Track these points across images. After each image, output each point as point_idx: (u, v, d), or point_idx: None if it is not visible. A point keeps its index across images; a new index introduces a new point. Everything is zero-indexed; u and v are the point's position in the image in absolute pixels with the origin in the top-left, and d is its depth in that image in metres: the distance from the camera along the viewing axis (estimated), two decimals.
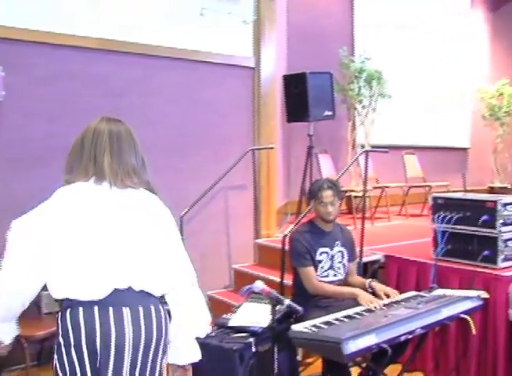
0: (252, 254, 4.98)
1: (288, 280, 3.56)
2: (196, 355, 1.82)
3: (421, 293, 3.10)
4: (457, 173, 7.72)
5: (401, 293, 3.07)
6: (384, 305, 2.85)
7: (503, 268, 3.39)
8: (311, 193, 3.24)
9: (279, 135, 5.53)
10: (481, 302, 2.95)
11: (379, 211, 6.29)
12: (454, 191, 5.12)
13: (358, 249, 3.60)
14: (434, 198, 3.73)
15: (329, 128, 6.47)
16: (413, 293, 3.13)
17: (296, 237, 3.22)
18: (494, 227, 3.38)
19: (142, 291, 1.69)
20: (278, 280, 3.82)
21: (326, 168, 5.86)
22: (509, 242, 3.44)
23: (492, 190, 8.70)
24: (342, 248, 3.28)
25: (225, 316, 2.98)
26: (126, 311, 1.66)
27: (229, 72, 4.87)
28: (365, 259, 3.94)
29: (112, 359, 1.62)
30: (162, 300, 1.79)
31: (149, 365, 1.70)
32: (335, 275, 3.23)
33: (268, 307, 2.52)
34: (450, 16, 8.68)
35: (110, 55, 4.21)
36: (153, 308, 1.72)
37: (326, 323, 2.55)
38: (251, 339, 2.73)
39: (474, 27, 9.23)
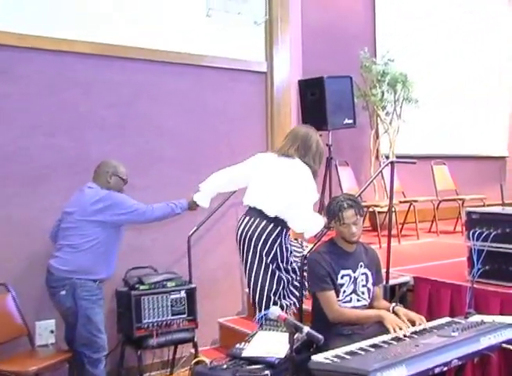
0: None
1: (307, 306, 3.54)
2: None
3: (456, 319, 3.06)
4: (494, 185, 7.63)
5: (433, 319, 3.03)
6: (415, 333, 2.81)
7: None
8: (331, 214, 3.21)
9: None
10: None
11: (406, 228, 6.25)
12: (491, 205, 5.06)
13: (384, 271, 3.57)
14: (469, 213, 3.69)
15: (350, 137, 6.47)
16: (447, 319, 3.09)
17: (315, 258, 3.21)
18: None
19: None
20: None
21: (347, 180, 5.84)
22: None
23: None
24: (366, 270, 3.26)
25: (238, 345, 2.96)
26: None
27: (240, 78, 4.92)
28: (392, 282, 3.89)
29: None
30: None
31: None
32: (359, 300, 3.20)
33: (286, 335, 2.50)
34: (484, 9, 8.66)
35: (114, 61, 4.28)
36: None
37: (350, 353, 2.52)
38: (268, 371, 2.71)
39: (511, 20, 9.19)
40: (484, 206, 5.95)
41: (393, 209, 5.23)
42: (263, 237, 3.40)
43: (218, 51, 4.76)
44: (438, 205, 6.48)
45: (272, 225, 3.41)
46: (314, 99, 5.43)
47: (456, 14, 8.25)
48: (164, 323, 3.94)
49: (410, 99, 6.62)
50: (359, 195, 3.70)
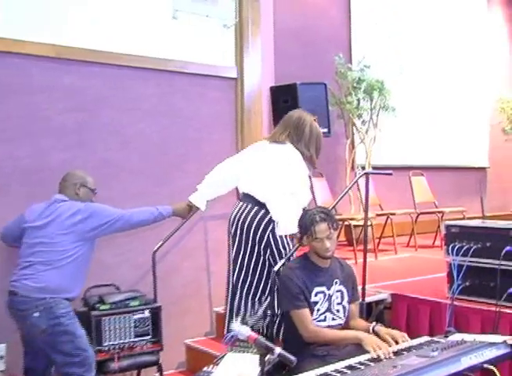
0: None
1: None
2: None
3: (436, 338, 3.08)
4: (475, 197, 7.75)
5: (412, 338, 3.05)
6: (393, 353, 2.83)
7: None
8: (303, 228, 3.22)
9: None
10: (508, 350, 2.92)
11: (383, 243, 6.31)
12: (471, 218, 5.14)
13: (360, 287, 3.59)
14: (448, 226, 3.75)
15: (325, 147, 6.40)
16: (426, 338, 3.10)
17: (287, 275, 3.20)
18: None
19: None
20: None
21: (321, 193, 5.88)
22: None
23: None
24: (341, 287, 3.27)
25: (206, 369, 2.93)
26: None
27: (209, 84, 4.92)
28: (368, 299, 3.91)
29: None
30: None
31: None
32: (333, 319, 3.21)
33: (256, 357, 2.49)
34: (464, 16, 8.86)
35: (73, 65, 4.23)
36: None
37: (325, 375, 2.52)
38: None
39: (492, 27, 9.40)
40: (464, 219, 6.04)
41: (369, 222, 5.31)
42: (255, 223, 3.54)
43: (185, 55, 4.75)
44: (417, 218, 6.56)
45: (264, 210, 3.53)
46: (287, 107, 5.43)
47: (435, 19, 8.41)
48: (127, 345, 3.88)
49: (387, 107, 6.71)
50: (333, 208, 3.71)
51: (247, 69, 5.09)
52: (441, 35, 8.46)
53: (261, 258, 3.59)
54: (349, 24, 7.50)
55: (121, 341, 3.86)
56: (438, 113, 8.32)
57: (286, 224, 3.46)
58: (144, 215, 3.68)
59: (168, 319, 4.23)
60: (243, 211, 3.60)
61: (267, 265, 3.58)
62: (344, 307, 3.26)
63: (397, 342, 2.94)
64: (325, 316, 3.19)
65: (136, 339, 3.92)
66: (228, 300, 3.76)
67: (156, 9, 4.64)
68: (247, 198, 3.62)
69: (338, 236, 3.42)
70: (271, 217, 3.51)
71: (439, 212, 6.60)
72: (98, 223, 3.49)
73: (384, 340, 2.96)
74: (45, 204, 3.56)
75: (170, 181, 4.63)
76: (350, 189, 4.32)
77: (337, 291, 3.25)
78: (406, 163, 7.57)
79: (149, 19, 4.59)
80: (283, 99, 5.49)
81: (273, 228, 3.52)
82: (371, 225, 5.71)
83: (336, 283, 3.26)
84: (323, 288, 3.20)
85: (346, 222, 5.95)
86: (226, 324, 3.70)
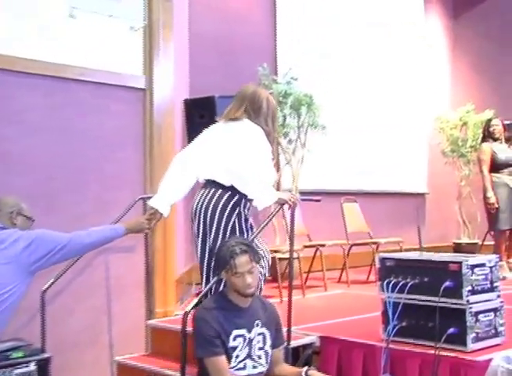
0: (143, 340, 4.86)
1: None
2: None
3: None
4: (412, 226, 7.97)
5: None
6: None
7: (475, 350, 3.45)
8: (221, 262, 3.22)
9: None
10: None
11: (312, 278, 6.35)
12: (409, 249, 5.26)
13: (285, 330, 3.58)
14: (383, 259, 3.80)
15: None
16: None
17: (201, 316, 3.18)
18: (460, 296, 3.45)
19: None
20: (177, 375, 3.72)
21: None
22: (480, 316, 3.52)
23: (457, 248, 8.99)
24: (264, 330, 3.27)
25: None
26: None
27: (113, 94, 4.86)
28: (294, 343, 3.92)
29: None
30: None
31: None
32: (255, 366, 3.20)
33: None
34: (400, 27, 9.16)
35: None
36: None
37: None
38: None
39: (430, 39, 9.76)
40: (401, 251, 6.17)
41: (295, 255, 5.33)
42: (219, 206, 3.65)
43: (84, 61, 4.66)
44: (349, 250, 6.65)
45: (228, 193, 3.66)
46: (203, 123, 5.42)
47: (371, 33, 8.63)
48: None
49: (316, 124, 6.80)
50: (253, 239, 3.72)
51: (158, 78, 5.06)
52: (377, 50, 8.71)
53: None
54: (275, 31, 7.61)
55: None
56: (372, 133, 8.50)
57: (261, 197, 3.63)
58: (97, 234, 3.56)
59: (60, 373, 4.10)
60: (207, 195, 3.72)
61: None
62: (266, 352, 3.26)
63: None
64: (244, 364, 3.17)
65: None
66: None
67: (50, 5, 4.53)
68: (210, 184, 3.75)
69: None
70: (237, 200, 3.66)
71: (374, 243, 6.72)
72: (44, 251, 3.35)
73: None
74: None
75: (62, 208, 4.50)
76: (273, 217, 4.34)
77: (259, 334, 3.24)
78: (338, 188, 7.70)
79: (41, 17, 4.48)
80: (199, 113, 5.50)
81: (239, 211, 3.69)
82: (298, 258, 5.74)
83: (257, 325, 3.25)
84: (243, 331, 3.19)
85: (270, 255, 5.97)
86: None
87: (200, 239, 3.73)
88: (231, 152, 3.71)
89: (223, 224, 3.64)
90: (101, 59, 4.76)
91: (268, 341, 3.28)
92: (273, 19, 7.59)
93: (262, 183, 3.63)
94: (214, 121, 5.33)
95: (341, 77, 8.10)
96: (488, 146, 6.63)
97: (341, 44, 8.21)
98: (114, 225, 3.77)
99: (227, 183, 3.67)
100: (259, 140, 3.73)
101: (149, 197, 4.80)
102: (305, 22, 7.82)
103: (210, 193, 3.70)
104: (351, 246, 6.67)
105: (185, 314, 3.43)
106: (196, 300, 3.52)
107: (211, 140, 3.86)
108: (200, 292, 3.69)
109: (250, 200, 3.70)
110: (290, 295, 3.88)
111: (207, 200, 3.69)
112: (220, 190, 3.67)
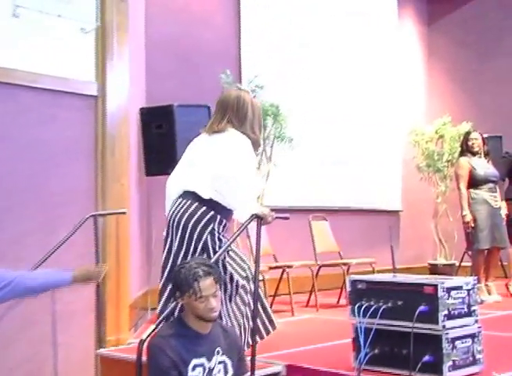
0: (93, 371, 4.77)
1: None
2: None
3: None
4: (386, 245, 7.99)
5: None
6: None
7: None
8: (182, 286, 3.16)
9: (133, 194, 5.49)
10: None
11: (278, 302, 6.34)
12: (382, 271, 5.28)
13: (248, 358, 3.56)
14: (354, 282, 3.81)
15: None
16: None
17: (157, 345, 3.13)
18: (435, 321, 3.47)
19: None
20: None
21: None
22: (457, 342, 3.53)
23: (433, 269, 9.06)
24: (225, 358, 3.24)
25: None
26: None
27: (61, 102, 4.80)
28: (259, 373, 3.89)
29: None
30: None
31: None
32: None
33: None
34: (372, 34, 9.25)
35: None
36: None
37: None
38: None
39: (404, 47, 9.88)
40: (373, 272, 6.20)
41: (260, 277, 5.31)
42: (194, 219, 3.78)
43: (29, 64, 4.59)
44: (318, 272, 6.65)
45: (204, 207, 3.79)
46: (160, 133, 5.44)
47: (343, 42, 8.71)
48: None
49: (283, 137, 6.82)
50: (216, 259, 3.69)
51: (111, 85, 5.02)
52: (348, 57, 8.78)
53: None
54: (239, 35, 7.63)
55: None
56: (343, 147, 8.55)
57: (244, 207, 3.76)
58: (41, 280, 3.41)
59: None
60: (182, 206, 3.83)
61: None
62: None
63: None
64: None
65: None
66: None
67: None
68: (187, 195, 3.85)
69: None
70: (212, 216, 3.79)
71: (344, 264, 6.71)
72: None
73: None
74: None
75: (4, 226, 4.40)
76: (238, 235, 4.31)
77: (220, 363, 3.22)
78: (306, 204, 7.72)
79: None
80: (156, 123, 5.49)
81: (213, 228, 3.80)
82: (263, 280, 5.73)
83: (218, 352, 3.22)
84: (203, 360, 3.16)
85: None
86: None
87: (164, 254, 3.87)
88: (215, 163, 3.80)
89: (194, 241, 3.78)
90: (48, 63, 4.70)
91: (230, 371, 3.24)
92: (237, 22, 7.61)
93: (247, 193, 3.77)
94: (173, 132, 5.35)
95: (311, 86, 8.14)
96: (466, 161, 6.68)
97: (311, 51, 8.26)
98: (62, 272, 3.55)
99: (206, 196, 3.78)
100: (244, 152, 3.85)
101: (101, 214, 4.79)
102: (272, 26, 7.86)
103: (187, 205, 3.81)
104: (320, 267, 6.68)
105: (141, 342, 3.38)
106: (153, 326, 3.47)
107: (195, 154, 3.99)
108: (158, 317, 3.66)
109: (228, 217, 3.86)
110: (254, 321, 3.86)
111: (181, 212, 3.81)
112: (196, 203, 3.79)
